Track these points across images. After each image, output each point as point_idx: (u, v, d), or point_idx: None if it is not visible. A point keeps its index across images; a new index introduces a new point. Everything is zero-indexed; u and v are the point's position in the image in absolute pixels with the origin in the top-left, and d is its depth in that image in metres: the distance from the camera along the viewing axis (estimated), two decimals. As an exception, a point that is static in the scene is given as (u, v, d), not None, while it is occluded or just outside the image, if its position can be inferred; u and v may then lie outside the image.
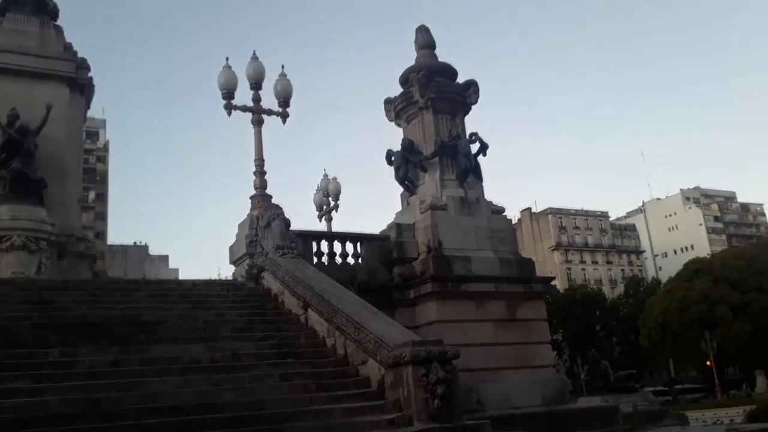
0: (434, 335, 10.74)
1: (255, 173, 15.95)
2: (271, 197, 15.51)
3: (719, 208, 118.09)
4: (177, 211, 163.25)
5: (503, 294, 14.57)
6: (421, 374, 8.70)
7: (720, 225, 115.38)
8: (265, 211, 14.19)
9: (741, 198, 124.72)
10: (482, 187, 16.21)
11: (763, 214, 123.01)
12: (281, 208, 14.17)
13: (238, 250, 15.22)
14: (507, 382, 13.81)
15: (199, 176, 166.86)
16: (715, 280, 60.83)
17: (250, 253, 14.41)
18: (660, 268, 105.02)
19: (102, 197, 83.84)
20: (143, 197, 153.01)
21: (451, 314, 13.88)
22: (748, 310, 57.94)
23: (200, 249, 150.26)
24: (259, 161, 15.96)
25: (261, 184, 15.79)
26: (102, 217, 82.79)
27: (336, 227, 21.85)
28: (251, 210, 15.32)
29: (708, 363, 56.62)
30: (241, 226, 15.40)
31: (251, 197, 15.72)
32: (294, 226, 14.23)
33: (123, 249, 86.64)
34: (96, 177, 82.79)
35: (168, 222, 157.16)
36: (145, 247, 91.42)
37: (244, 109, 16.27)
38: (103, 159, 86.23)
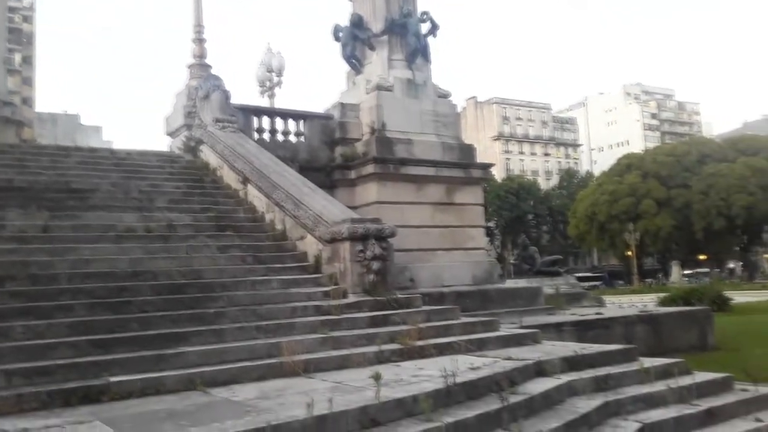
0: (373, 216, 10.88)
1: (194, 41, 15.13)
2: (210, 67, 14.82)
3: (657, 105, 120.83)
4: (110, 80, 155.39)
5: (443, 178, 14.76)
6: (358, 250, 8.93)
7: (656, 122, 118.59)
8: (204, 82, 13.63)
9: (679, 97, 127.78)
10: (430, 69, 15.91)
11: (698, 113, 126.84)
12: (221, 80, 13.65)
13: (175, 122, 14.71)
14: (440, 262, 14.29)
15: (134, 43, 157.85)
16: (645, 175, 63.41)
17: (187, 124, 13.97)
18: (595, 161, 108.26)
19: (29, 61, 78.76)
20: (73, 64, 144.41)
21: (391, 196, 14.03)
22: (671, 205, 61.11)
23: (135, 121, 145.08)
24: (198, 27, 15.10)
25: (200, 53, 15.03)
26: (29, 82, 78.25)
27: (279, 105, 21.34)
28: (189, 80, 14.66)
29: (629, 253, 60.09)
30: (178, 96, 14.79)
31: (189, 66, 14.99)
32: (234, 101, 13.81)
33: (53, 117, 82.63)
34: (22, 38, 77.33)
35: (100, 92, 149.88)
36: (76, 117, 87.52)
37: (182, -32, 15.17)
38: (29, 19, 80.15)
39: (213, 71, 14.60)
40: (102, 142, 71.59)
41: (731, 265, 76.73)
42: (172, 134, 15.01)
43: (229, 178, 12.27)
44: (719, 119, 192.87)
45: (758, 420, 6.86)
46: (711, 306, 17.39)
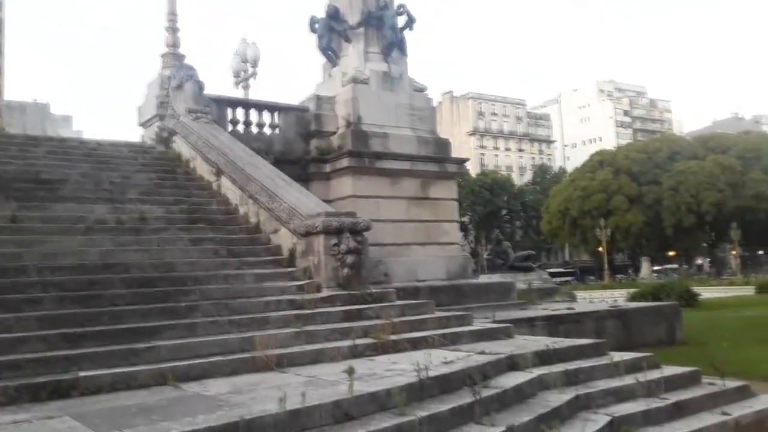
0: (348, 210, 10.85)
1: (167, 29, 14.91)
2: (184, 56, 14.62)
3: (630, 102, 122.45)
4: (82, 69, 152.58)
5: (418, 172, 14.78)
6: (333, 244, 8.90)
7: (628, 119, 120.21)
8: (177, 71, 13.44)
9: (651, 94, 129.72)
10: (406, 63, 15.90)
11: (669, 111, 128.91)
12: (195, 69, 13.48)
13: (147, 112, 14.50)
14: (415, 256, 14.33)
15: (107, 32, 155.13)
16: (616, 171, 64.31)
17: (160, 115, 13.78)
18: (568, 158, 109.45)
19: (-4, 47, 76.79)
20: (44, 52, 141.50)
21: (366, 190, 14.02)
22: (642, 201, 62.08)
23: (106, 112, 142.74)
24: (172, 16, 14.87)
25: (173, 42, 14.81)
26: (-3, 69, 76.34)
27: (253, 96, 21.15)
28: (162, 69, 14.45)
29: (600, 249, 60.89)
30: (150, 86, 14.57)
31: (162, 55, 14.77)
32: (209, 92, 13.65)
33: (21, 106, 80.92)
34: (-12, 24, 75.40)
35: (72, 81, 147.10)
36: (46, 106, 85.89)
37: (156, -44, 14.93)
38: (-3, 5, 78.14)
39: (186, 61, 14.42)
40: (72, 131, 70.34)
41: (699, 261, 78.26)
42: (144, 124, 14.79)
43: (203, 169, 12.14)
44: (690, 117, 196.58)
45: (725, 413, 7.00)
46: (679, 301, 17.70)
